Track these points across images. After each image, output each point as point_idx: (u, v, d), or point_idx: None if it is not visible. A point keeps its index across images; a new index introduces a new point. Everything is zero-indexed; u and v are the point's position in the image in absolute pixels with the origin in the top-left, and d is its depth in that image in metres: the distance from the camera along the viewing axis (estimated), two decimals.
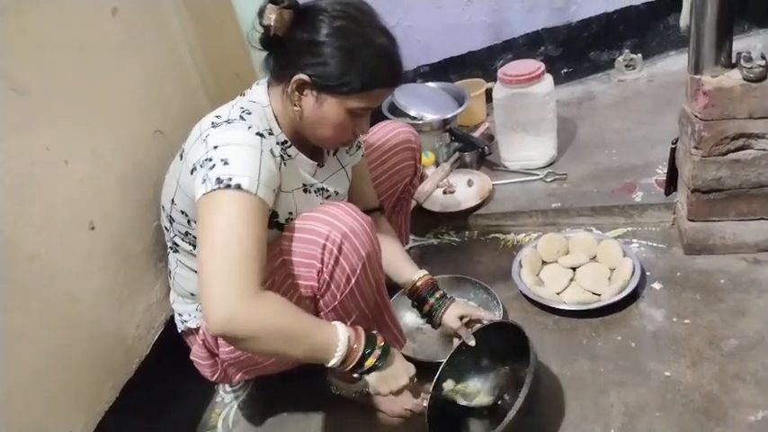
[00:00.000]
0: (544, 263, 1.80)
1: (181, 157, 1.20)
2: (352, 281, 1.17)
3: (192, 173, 1.09)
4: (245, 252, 0.99)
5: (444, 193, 2.12)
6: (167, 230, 1.31)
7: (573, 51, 2.63)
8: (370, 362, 1.11)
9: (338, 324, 1.09)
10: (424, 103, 2.23)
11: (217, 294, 0.96)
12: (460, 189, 2.13)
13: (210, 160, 1.05)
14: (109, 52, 1.36)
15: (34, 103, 1.14)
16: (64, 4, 1.23)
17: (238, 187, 1.01)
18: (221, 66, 1.79)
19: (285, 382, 1.49)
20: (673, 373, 1.40)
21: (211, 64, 1.71)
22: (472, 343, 1.42)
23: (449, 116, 2.21)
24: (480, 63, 2.54)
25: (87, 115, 1.28)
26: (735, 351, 1.42)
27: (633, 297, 1.60)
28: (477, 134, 2.34)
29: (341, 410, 1.50)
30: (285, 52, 1.15)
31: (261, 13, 1.11)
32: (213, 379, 1.36)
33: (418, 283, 1.46)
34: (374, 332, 1.17)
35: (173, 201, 1.23)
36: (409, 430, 1.42)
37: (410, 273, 1.47)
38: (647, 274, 1.68)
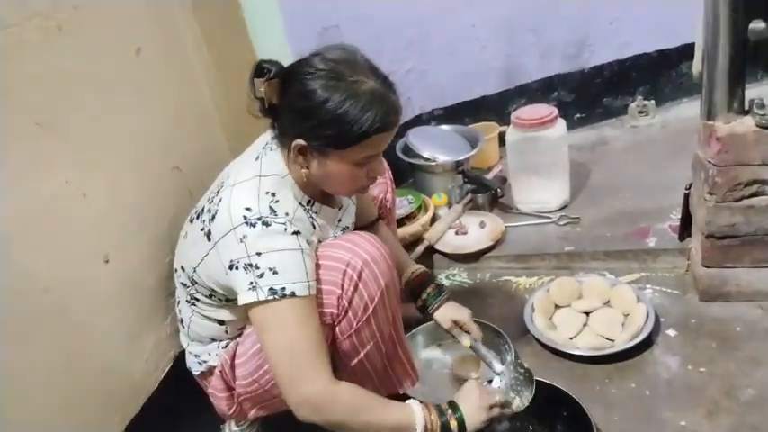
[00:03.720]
0: (557, 307, 1.78)
1: (208, 237, 1.17)
2: (370, 309, 1.18)
3: (230, 268, 1.12)
4: (312, 350, 1.11)
5: (456, 234, 2.12)
6: (185, 286, 1.29)
7: (586, 97, 2.65)
8: (453, 424, 1.18)
9: (412, 403, 1.18)
10: (437, 145, 2.26)
11: (297, 395, 1.11)
12: (473, 231, 2.13)
13: (257, 267, 1.09)
14: (131, 90, 1.40)
15: (56, 138, 1.18)
16: (90, 42, 1.28)
17: (293, 295, 1.09)
18: (241, 106, 1.83)
19: (293, 422, 1.47)
20: (688, 422, 1.37)
21: (231, 104, 1.74)
22: (466, 343, 1.43)
23: (462, 158, 2.23)
24: (494, 107, 2.57)
25: (107, 150, 1.31)
26: (752, 401, 1.39)
27: (647, 344, 1.58)
28: (490, 176, 2.35)
29: None
30: (282, 119, 1.18)
31: (252, 84, 1.15)
32: (230, 413, 1.35)
33: (414, 275, 1.51)
34: (439, 404, 1.22)
35: (195, 269, 1.23)
36: None
37: (407, 266, 1.53)
38: (662, 320, 1.66)
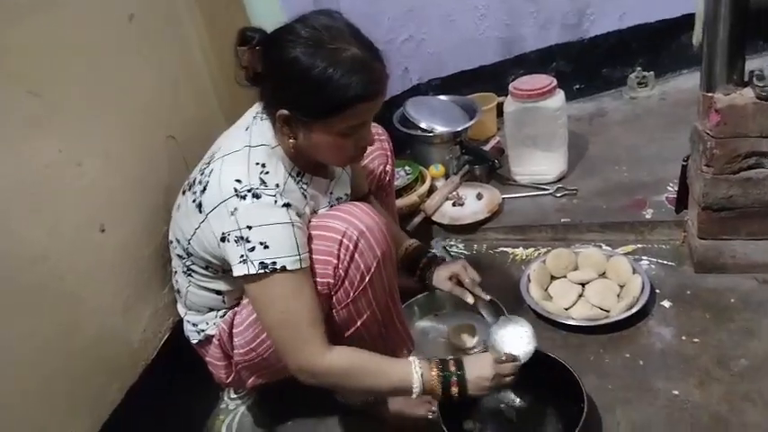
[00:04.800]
0: (553, 278, 1.79)
1: (199, 209, 1.16)
2: (366, 279, 1.18)
3: (222, 240, 1.12)
4: (304, 321, 1.12)
5: (453, 205, 2.12)
6: (181, 258, 1.29)
7: (585, 68, 2.63)
8: (454, 390, 1.19)
9: (412, 360, 1.19)
10: (435, 116, 2.24)
11: (294, 363, 1.15)
12: (470, 202, 2.12)
13: (248, 241, 1.09)
14: (125, 57, 1.38)
15: (49, 105, 1.16)
16: (82, 8, 1.25)
17: (284, 269, 1.09)
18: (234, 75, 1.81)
19: (291, 390, 1.49)
20: (681, 392, 1.39)
21: (225, 72, 1.72)
22: (470, 300, 1.45)
23: (459, 129, 2.22)
24: (492, 77, 2.55)
25: (101, 118, 1.29)
26: (744, 372, 1.40)
27: (642, 314, 1.59)
28: (487, 147, 2.34)
29: (347, 419, 1.49)
30: (266, 88, 1.16)
31: (237, 53, 1.13)
32: (228, 381, 1.36)
33: (407, 251, 1.53)
34: (445, 358, 1.23)
35: (189, 241, 1.23)
36: None
37: (401, 241, 1.55)
38: (657, 291, 1.67)
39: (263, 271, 1.09)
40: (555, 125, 2.07)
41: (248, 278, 1.11)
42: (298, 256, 1.11)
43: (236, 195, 1.10)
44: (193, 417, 1.56)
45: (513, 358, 1.27)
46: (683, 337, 1.52)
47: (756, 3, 1.39)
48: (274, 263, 1.09)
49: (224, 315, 1.31)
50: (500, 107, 2.22)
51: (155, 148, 1.45)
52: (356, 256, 1.16)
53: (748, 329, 1.51)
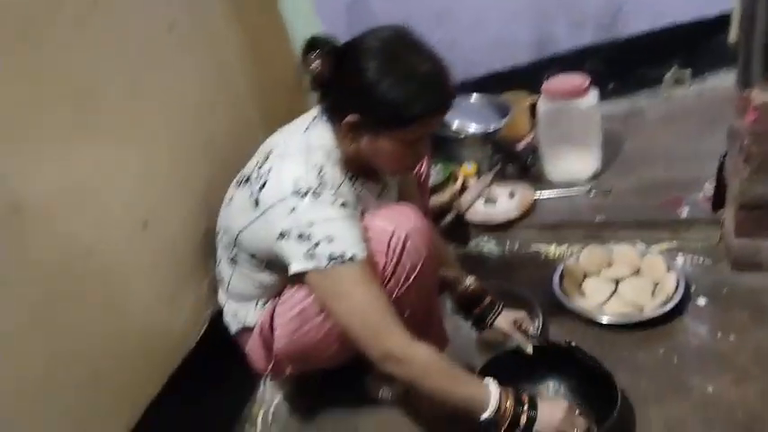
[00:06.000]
0: (586, 275, 1.78)
1: (255, 204, 1.19)
2: (411, 278, 1.21)
3: (281, 237, 1.14)
4: (386, 307, 1.14)
5: (485, 204, 2.13)
6: (227, 248, 1.33)
7: (620, 67, 2.60)
8: (523, 419, 1.13)
9: (490, 382, 1.16)
10: (467, 116, 2.25)
11: (379, 350, 1.13)
12: (502, 200, 2.13)
13: (310, 237, 1.11)
14: (165, 64, 1.43)
15: (96, 110, 1.21)
16: (126, 16, 1.31)
17: (352, 259, 1.11)
18: (271, 80, 1.85)
19: (327, 380, 1.53)
20: (715, 389, 1.38)
21: (261, 78, 1.77)
22: (530, 350, 1.43)
23: (492, 128, 2.23)
24: (525, 77, 2.54)
25: (144, 123, 1.34)
26: None
27: (677, 312, 1.58)
28: (520, 147, 2.34)
29: (381, 410, 1.52)
30: (333, 94, 1.20)
31: (304, 58, 1.17)
32: (266, 372, 1.40)
33: (468, 290, 1.51)
34: (519, 391, 1.18)
35: (240, 233, 1.26)
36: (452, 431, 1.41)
37: (460, 276, 1.52)
38: (692, 289, 1.65)
39: (332, 263, 1.11)
40: (588, 124, 2.06)
41: (316, 273, 1.13)
42: (363, 243, 1.14)
43: (296, 194, 1.14)
44: (231, 405, 1.60)
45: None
46: (719, 335, 1.51)
47: None
48: (343, 254, 1.11)
49: (265, 304, 1.35)
50: (533, 107, 2.23)
51: (194, 151, 1.50)
52: (404, 255, 1.19)
53: None
